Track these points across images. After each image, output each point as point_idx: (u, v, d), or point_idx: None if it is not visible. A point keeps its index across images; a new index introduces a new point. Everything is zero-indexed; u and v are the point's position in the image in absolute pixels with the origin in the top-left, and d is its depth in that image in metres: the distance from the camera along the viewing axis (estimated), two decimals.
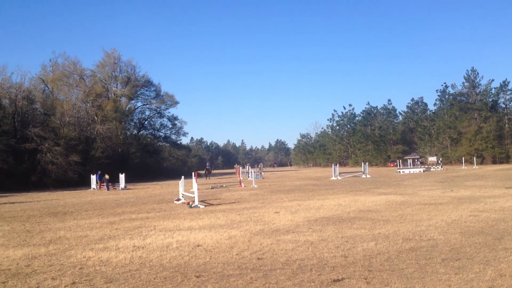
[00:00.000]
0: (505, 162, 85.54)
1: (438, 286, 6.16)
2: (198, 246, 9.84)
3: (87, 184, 43.73)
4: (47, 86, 67.44)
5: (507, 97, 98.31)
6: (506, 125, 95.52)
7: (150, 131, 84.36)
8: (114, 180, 42.39)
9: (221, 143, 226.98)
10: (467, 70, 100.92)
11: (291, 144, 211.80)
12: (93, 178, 42.34)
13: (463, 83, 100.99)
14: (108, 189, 38.96)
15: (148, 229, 13.04)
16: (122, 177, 41.51)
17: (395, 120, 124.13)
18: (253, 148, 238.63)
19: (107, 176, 40.09)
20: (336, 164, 53.44)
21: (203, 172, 66.76)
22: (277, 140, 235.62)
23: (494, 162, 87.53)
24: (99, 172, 42.01)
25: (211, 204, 20.52)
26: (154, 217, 16.30)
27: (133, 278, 7.26)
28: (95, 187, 41.42)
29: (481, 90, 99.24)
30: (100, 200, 26.86)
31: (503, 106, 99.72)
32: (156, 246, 10.05)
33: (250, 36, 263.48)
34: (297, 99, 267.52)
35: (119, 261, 8.64)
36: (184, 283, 6.85)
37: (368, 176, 47.48)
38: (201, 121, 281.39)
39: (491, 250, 8.31)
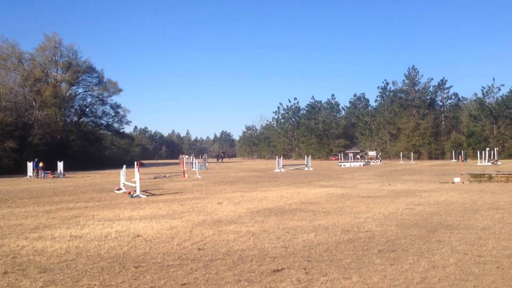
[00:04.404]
0: (441, 158, 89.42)
1: (374, 277, 6.34)
2: (138, 236, 9.67)
3: (24, 172, 42.04)
4: None
5: (444, 95, 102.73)
6: (443, 123, 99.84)
7: (92, 118, 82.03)
8: (53, 168, 40.96)
9: (165, 132, 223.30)
10: (408, 68, 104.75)
11: (236, 136, 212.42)
12: (30, 165, 40.72)
13: (403, 80, 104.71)
14: (42, 176, 37.61)
15: (86, 218, 12.69)
16: (60, 165, 40.16)
17: (338, 115, 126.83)
18: (198, 139, 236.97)
19: (41, 164, 38.72)
20: (280, 157, 54.01)
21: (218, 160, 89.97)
22: (223, 131, 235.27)
23: (430, 157, 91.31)
24: (36, 159, 40.42)
25: (153, 194, 20.22)
26: (93, 206, 15.89)
27: (68, 268, 7.04)
28: (32, 175, 39.85)
29: (420, 88, 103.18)
30: (36, 188, 25.86)
31: (440, 104, 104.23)
32: (94, 236, 9.80)
33: (197, 26, 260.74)
34: (243, 91, 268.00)
35: (54, 250, 8.36)
36: (122, 274, 6.70)
37: (310, 169, 48.31)
38: (146, 110, 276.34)
39: (425, 242, 8.64)
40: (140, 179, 20.01)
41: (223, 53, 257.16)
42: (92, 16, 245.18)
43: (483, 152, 57.78)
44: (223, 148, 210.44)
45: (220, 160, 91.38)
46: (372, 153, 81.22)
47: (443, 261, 7.16)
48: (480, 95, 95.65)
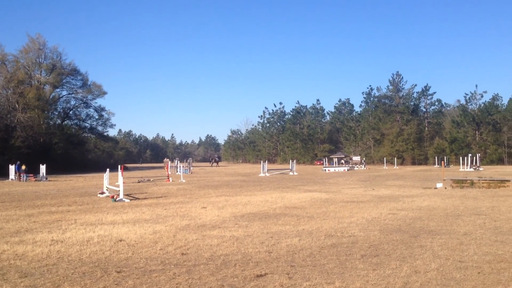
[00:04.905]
0: (424, 164, 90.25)
1: (357, 282, 6.37)
2: (120, 241, 9.59)
3: (6, 175, 41.39)
4: None
5: (428, 101, 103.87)
6: (426, 128, 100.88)
7: (75, 121, 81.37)
8: (35, 171, 40.46)
9: (150, 136, 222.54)
10: (392, 74, 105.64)
11: (221, 140, 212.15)
12: (12, 168, 40.14)
13: (387, 86, 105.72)
14: (25, 180, 37.14)
15: (68, 222, 12.55)
16: (43, 168, 39.69)
17: (323, 120, 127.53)
18: (183, 143, 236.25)
19: (23, 167, 38.24)
20: (265, 161, 54.03)
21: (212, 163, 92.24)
22: (208, 135, 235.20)
23: (413, 163, 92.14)
24: (18, 162, 39.88)
25: (136, 198, 20.09)
26: (76, 210, 15.72)
27: (49, 273, 6.95)
28: (14, 178, 39.28)
29: (404, 94, 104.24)
30: (18, 191, 25.53)
31: (424, 110, 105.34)
32: (76, 240, 9.69)
33: (182, 30, 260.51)
34: (228, 95, 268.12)
35: (35, 255, 8.25)
36: (103, 279, 6.64)
37: (295, 173, 48.40)
38: (130, 113, 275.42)
39: (407, 247, 8.70)
40: (123, 183, 19.85)
41: (208, 57, 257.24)
42: (77, 18, 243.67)
43: (465, 158, 58.45)
44: (209, 151, 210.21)
45: (214, 164, 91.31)
46: (356, 158, 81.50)
47: (425, 266, 7.22)
48: (463, 101, 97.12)
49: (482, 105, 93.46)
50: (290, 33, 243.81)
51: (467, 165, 56.79)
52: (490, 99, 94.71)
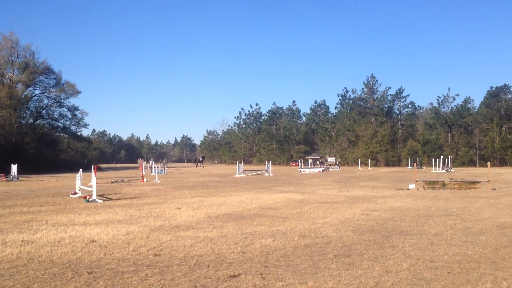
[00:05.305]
0: (397, 165, 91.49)
1: (329, 282, 6.42)
2: (92, 241, 9.47)
3: None
4: None
5: (402, 104, 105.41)
6: (399, 130, 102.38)
7: (48, 120, 79.77)
8: (6, 171, 39.61)
9: (124, 136, 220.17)
10: (367, 77, 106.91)
11: (197, 140, 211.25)
12: None
13: (362, 88, 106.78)
14: None
15: (39, 223, 12.33)
16: (14, 168, 38.89)
17: (298, 121, 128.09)
18: (159, 143, 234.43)
19: None
20: (241, 162, 54.00)
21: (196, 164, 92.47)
22: (183, 135, 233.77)
23: (387, 164, 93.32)
24: None
25: (110, 199, 19.85)
26: (47, 210, 15.46)
27: (19, 274, 6.82)
28: None
29: (379, 96, 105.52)
30: None
31: (398, 112, 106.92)
32: (47, 241, 9.53)
33: (156, 28, 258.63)
34: (204, 95, 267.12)
35: (5, 256, 8.09)
36: (74, 280, 6.54)
37: (271, 174, 48.51)
38: (105, 112, 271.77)
39: (379, 248, 8.81)
40: (96, 183, 19.59)
41: (184, 57, 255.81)
42: (50, 17, 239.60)
43: (437, 159, 59.43)
44: (184, 152, 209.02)
45: (199, 164, 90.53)
46: (331, 160, 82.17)
47: (396, 266, 7.32)
48: (435, 104, 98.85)
49: (454, 108, 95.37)
50: (266, 34, 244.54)
51: (439, 166, 57.76)
52: (462, 102, 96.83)
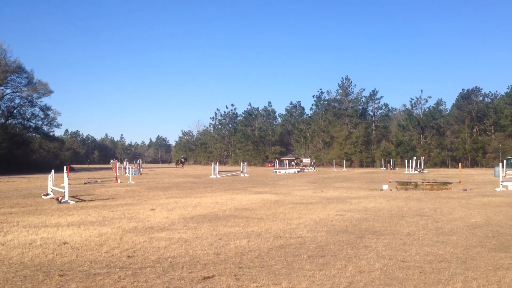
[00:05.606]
0: (371, 166, 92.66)
1: (303, 282, 6.44)
2: (64, 243, 9.31)
3: None
4: None
5: (375, 105, 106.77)
6: (373, 132, 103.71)
7: (20, 120, 78.27)
8: None
9: (98, 136, 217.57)
10: (342, 78, 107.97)
11: (172, 141, 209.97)
12: None
13: (337, 90, 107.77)
14: None
15: (10, 225, 12.07)
16: None
17: (274, 122, 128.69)
18: (133, 144, 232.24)
19: None
20: (216, 163, 53.84)
21: (178, 164, 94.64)
22: (158, 136, 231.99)
23: (361, 165, 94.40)
24: None
25: (83, 200, 19.55)
26: (18, 212, 15.14)
27: None
28: None
29: (353, 98, 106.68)
30: None
31: (372, 114, 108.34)
32: (17, 243, 9.33)
33: (133, 29, 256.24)
34: (180, 96, 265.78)
35: None
36: (45, 282, 6.42)
37: (246, 175, 48.53)
38: (78, 112, 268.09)
39: (353, 248, 8.88)
40: (69, 184, 19.29)
41: (159, 56, 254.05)
42: (22, 15, 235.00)
43: (410, 161, 60.39)
44: (158, 152, 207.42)
45: (180, 165, 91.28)
46: (306, 160, 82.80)
47: (369, 266, 7.39)
48: (408, 106, 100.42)
49: (427, 109, 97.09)
50: (241, 34, 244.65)
51: (412, 167, 58.67)
52: (434, 104, 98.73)
